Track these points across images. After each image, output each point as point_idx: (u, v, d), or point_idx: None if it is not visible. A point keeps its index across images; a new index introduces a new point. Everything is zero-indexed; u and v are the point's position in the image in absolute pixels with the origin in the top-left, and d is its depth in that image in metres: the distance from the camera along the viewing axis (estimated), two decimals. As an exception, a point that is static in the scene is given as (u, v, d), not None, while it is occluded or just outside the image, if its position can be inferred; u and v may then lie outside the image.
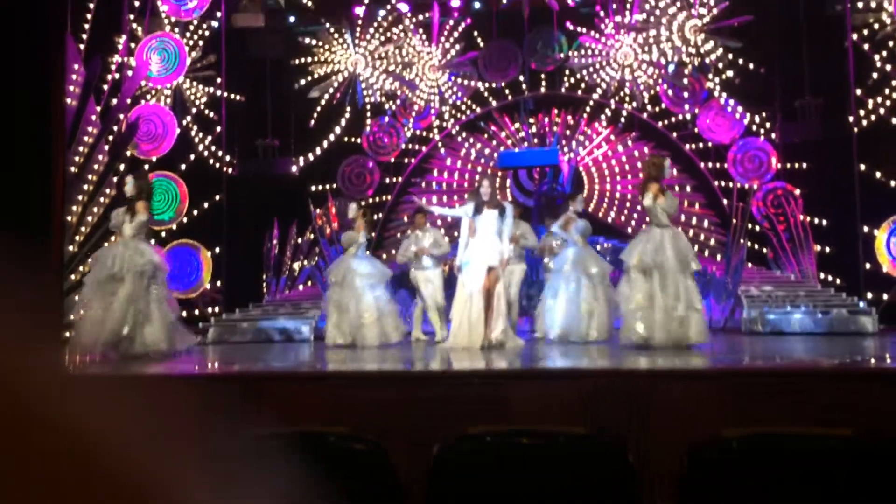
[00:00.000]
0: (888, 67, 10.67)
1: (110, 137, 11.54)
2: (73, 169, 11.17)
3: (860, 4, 10.80)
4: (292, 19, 13.06)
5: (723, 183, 12.14)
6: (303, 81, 12.64)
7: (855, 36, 10.72)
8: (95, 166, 11.38)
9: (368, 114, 13.02)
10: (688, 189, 12.46)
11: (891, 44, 10.71)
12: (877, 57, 10.69)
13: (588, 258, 8.53)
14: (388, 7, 12.73)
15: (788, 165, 11.71)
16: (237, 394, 4.75)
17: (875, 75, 10.72)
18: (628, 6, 12.06)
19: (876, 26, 10.76)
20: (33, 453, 0.60)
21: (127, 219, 7.50)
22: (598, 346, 7.81)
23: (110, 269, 7.21)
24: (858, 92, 10.73)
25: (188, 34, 12.30)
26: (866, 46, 10.73)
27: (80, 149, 11.31)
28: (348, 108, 12.80)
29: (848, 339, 8.01)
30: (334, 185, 12.93)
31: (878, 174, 10.47)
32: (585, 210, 12.59)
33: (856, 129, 10.68)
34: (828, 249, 10.95)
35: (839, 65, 10.88)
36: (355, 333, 8.26)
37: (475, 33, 12.97)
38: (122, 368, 6.35)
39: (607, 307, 8.33)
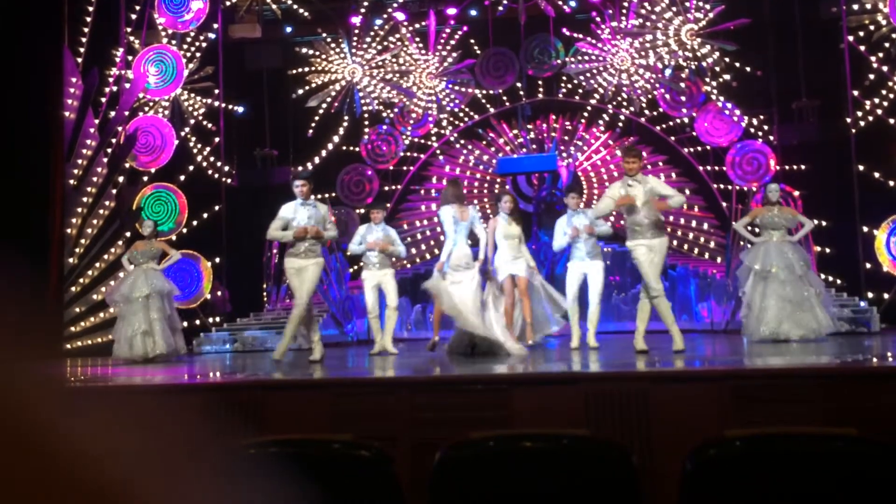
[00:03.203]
0: (884, 68, 10.70)
1: (109, 150, 11.56)
2: (72, 182, 11.19)
3: (855, 6, 10.85)
4: (289, 30, 13.10)
5: (722, 185, 12.16)
6: (300, 91, 12.66)
7: (851, 38, 10.76)
8: (94, 178, 11.40)
9: (366, 122, 13.05)
10: (687, 192, 12.46)
11: (886, 45, 10.75)
12: (873, 58, 10.73)
13: (787, 249, 7.86)
14: (385, 16, 12.77)
15: (787, 167, 11.72)
16: (239, 403, 4.74)
17: (872, 76, 10.76)
18: (624, 12, 12.09)
19: (871, 28, 10.80)
20: (32, 465, 0.59)
21: None
22: (818, 343, 7.25)
23: None
24: (855, 93, 10.76)
25: (185, 46, 12.33)
26: (862, 48, 10.77)
27: (79, 161, 11.33)
28: (346, 117, 12.82)
29: (849, 339, 8.00)
30: (333, 194, 12.95)
31: (876, 174, 10.48)
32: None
33: (853, 130, 10.70)
34: (828, 250, 10.96)
35: (835, 66, 10.91)
36: (134, 344, 8.44)
37: (472, 41, 13.01)
38: (122, 380, 6.33)
39: (818, 299, 7.69)
